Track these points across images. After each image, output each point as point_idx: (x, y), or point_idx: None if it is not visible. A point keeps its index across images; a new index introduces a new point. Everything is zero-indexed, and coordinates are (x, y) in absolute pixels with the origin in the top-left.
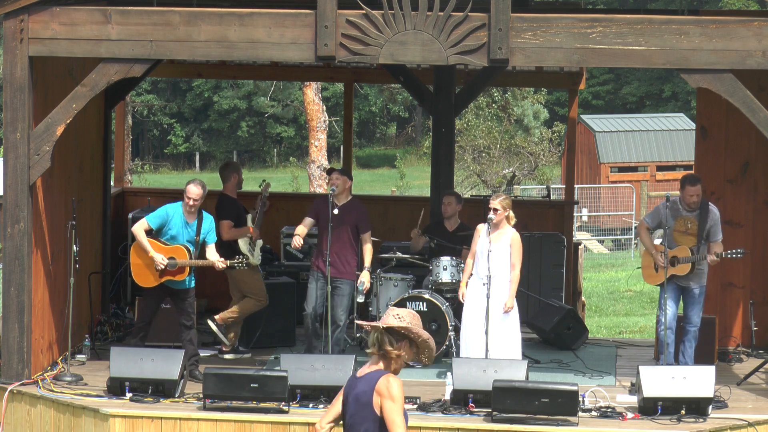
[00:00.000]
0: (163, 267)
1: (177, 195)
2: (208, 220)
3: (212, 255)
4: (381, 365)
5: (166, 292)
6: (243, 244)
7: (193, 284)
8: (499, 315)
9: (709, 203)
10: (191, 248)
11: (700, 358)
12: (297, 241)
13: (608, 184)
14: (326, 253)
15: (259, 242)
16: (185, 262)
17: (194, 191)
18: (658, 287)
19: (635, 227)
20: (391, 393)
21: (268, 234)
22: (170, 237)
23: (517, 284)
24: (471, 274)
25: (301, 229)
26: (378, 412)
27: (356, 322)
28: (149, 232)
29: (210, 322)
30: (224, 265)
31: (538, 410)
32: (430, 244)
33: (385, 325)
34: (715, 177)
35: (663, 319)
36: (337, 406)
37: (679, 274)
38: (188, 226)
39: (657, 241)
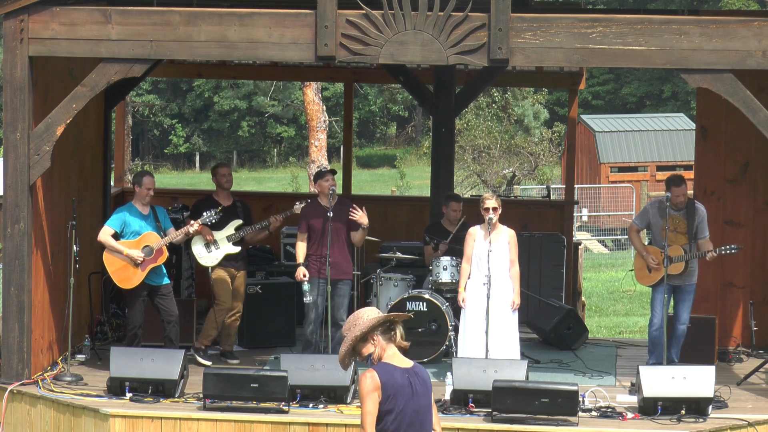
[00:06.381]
0: (142, 259)
1: (177, 195)
2: (159, 208)
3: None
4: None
5: (146, 291)
6: (197, 246)
7: (169, 281)
8: (499, 315)
9: (696, 201)
10: (157, 232)
11: (700, 358)
12: (302, 274)
13: (608, 184)
14: (326, 254)
15: (228, 247)
16: (160, 243)
17: (152, 181)
18: (650, 288)
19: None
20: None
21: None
22: (133, 233)
23: (518, 280)
24: (469, 277)
25: (302, 249)
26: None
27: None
28: (114, 237)
29: (194, 354)
30: (197, 227)
31: (538, 410)
32: (432, 245)
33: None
34: (715, 177)
35: (655, 320)
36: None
37: (673, 274)
38: (146, 218)
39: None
